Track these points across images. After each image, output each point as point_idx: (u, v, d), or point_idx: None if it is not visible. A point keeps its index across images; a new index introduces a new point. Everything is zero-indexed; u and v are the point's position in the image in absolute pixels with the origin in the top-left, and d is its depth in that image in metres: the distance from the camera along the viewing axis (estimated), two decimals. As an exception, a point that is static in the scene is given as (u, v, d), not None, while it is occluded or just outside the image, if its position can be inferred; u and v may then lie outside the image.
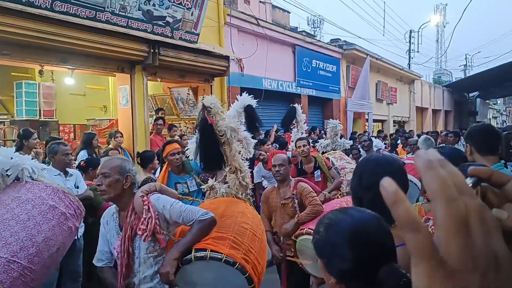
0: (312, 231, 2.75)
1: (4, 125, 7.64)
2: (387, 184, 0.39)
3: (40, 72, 6.77)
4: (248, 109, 3.33)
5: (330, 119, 6.55)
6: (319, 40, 14.31)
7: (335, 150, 5.97)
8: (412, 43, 27.64)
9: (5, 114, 8.97)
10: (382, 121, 19.54)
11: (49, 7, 5.35)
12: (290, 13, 14.85)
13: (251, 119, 3.29)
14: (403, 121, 21.70)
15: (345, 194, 4.86)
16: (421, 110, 24.33)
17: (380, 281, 1.05)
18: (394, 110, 19.96)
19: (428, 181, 0.38)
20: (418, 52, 28.43)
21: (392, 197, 0.38)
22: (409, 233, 0.37)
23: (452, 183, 0.37)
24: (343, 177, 5.12)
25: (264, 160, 5.76)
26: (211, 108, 2.68)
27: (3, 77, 9.32)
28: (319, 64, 13.37)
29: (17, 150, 5.16)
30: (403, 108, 21.15)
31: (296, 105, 6.01)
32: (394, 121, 20.54)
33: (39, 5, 5.25)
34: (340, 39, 15.62)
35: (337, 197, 4.84)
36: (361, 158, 6.10)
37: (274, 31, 11.02)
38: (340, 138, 6.38)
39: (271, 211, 3.65)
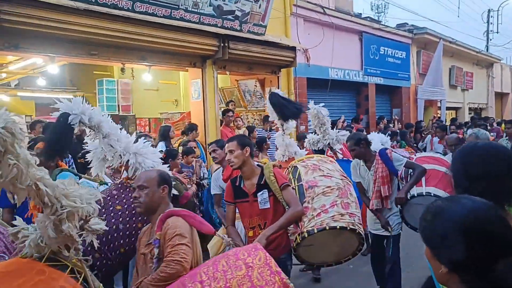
0: None
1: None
2: None
3: (122, 69, 7.26)
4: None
5: (310, 101, 5.02)
6: (387, 26, 13.66)
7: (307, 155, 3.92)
8: (491, 23, 25.33)
9: (90, 109, 9.76)
10: (456, 109, 18.28)
11: (130, 8, 5.71)
12: (354, -2, 14.35)
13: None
14: (480, 108, 20.10)
15: (306, 235, 2.80)
16: (500, 96, 22.35)
17: (498, 275, 0.99)
18: (470, 97, 18.55)
19: None
20: (497, 33, 25.97)
21: None
22: None
23: None
24: (308, 203, 2.93)
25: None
26: None
27: (86, 75, 10.18)
28: (387, 51, 12.81)
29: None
30: (480, 94, 19.57)
31: (275, 89, 4.24)
32: (469, 108, 19.09)
33: (122, 6, 5.62)
34: (407, 23, 14.79)
35: (296, 239, 2.83)
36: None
37: (340, 18, 10.73)
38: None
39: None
